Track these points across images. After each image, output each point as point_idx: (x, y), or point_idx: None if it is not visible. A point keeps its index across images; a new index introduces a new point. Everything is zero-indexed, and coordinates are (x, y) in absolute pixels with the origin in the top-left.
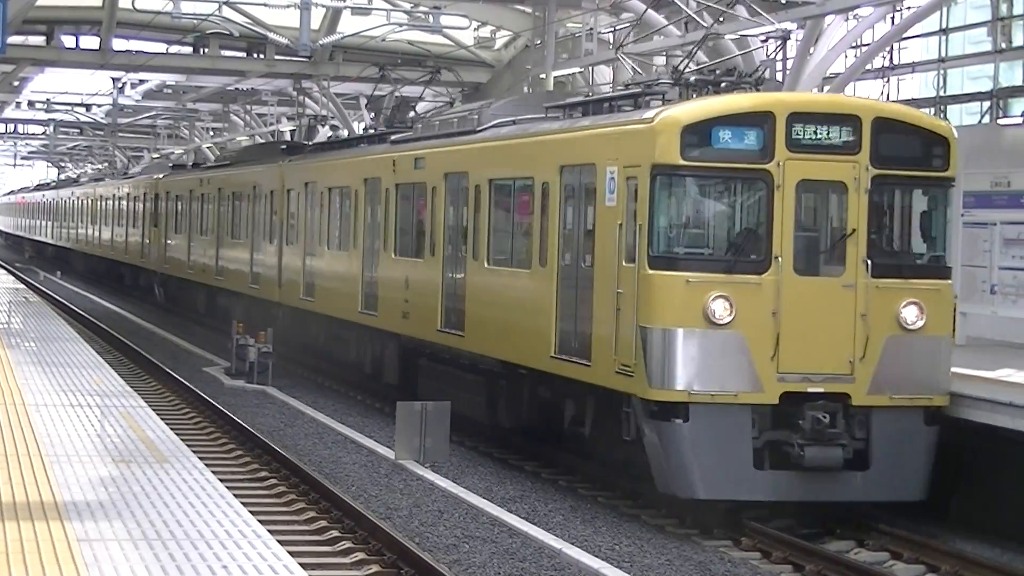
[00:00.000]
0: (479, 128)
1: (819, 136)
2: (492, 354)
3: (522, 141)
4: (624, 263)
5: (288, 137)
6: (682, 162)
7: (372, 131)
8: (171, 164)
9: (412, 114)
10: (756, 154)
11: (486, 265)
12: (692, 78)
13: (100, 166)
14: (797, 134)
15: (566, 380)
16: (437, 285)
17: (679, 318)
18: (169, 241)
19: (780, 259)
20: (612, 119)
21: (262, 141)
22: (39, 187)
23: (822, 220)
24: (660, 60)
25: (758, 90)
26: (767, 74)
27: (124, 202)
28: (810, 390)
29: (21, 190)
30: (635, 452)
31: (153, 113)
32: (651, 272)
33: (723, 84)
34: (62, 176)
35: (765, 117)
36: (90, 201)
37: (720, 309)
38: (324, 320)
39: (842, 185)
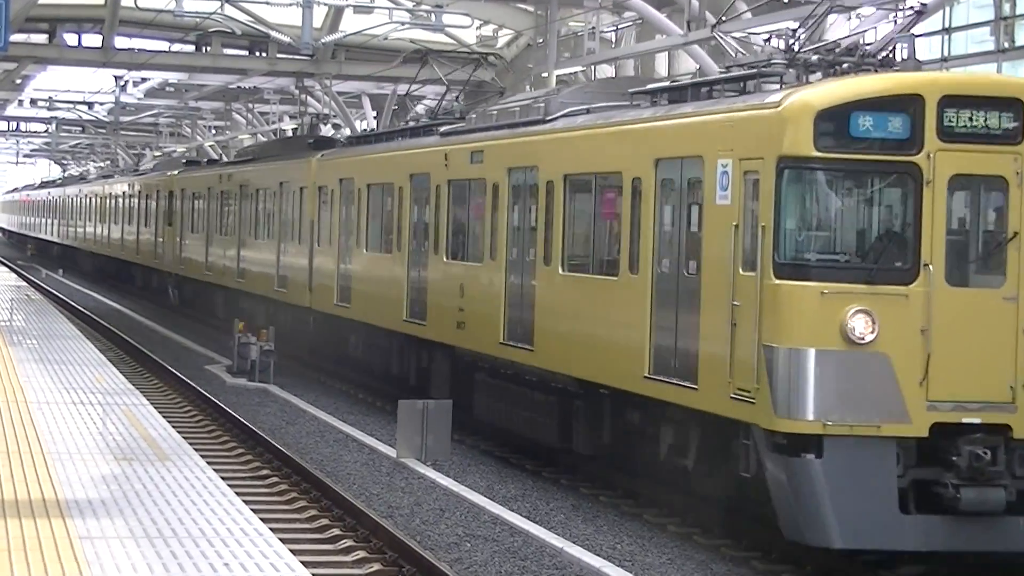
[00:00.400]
0: (548, 117)
1: (975, 123)
2: (567, 372)
3: (607, 131)
4: (742, 271)
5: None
6: (815, 153)
7: (415, 123)
8: (185, 160)
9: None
10: (902, 144)
11: (560, 272)
12: (813, 57)
13: (106, 163)
14: (950, 121)
15: (663, 404)
16: (499, 293)
17: (811, 336)
18: (185, 241)
19: (931, 267)
20: (724, 104)
21: (288, 135)
22: (44, 184)
23: (978, 221)
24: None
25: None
26: (899, 53)
27: (135, 200)
28: (965, 421)
29: (25, 187)
30: (754, 491)
31: (155, 111)
32: (777, 282)
33: (844, 65)
34: (68, 173)
35: (913, 101)
36: (99, 199)
37: (861, 326)
38: (361, 328)
39: (1002, 180)
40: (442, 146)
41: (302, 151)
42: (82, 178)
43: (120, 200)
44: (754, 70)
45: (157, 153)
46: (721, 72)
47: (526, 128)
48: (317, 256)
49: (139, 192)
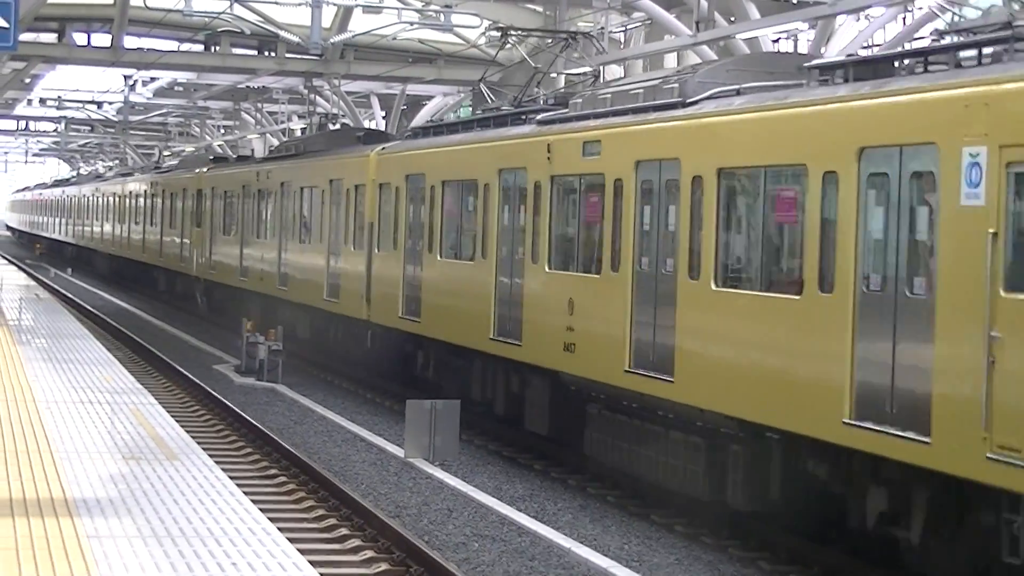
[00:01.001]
0: (689, 100)
1: None
2: (723, 410)
3: (783, 114)
4: (1004, 292)
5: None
6: None
7: (497, 110)
8: (212, 157)
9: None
10: None
11: (713, 287)
12: None
13: (115, 162)
14: None
15: (871, 459)
16: (623, 311)
17: None
18: (215, 244)
19: None
20: (967, 77)
21: (335, 127)
22: (59, 183)
23: None
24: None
25: None
26: None
27: (158, 199)
28: None
29: (38, 186)
30: None
31: (164, 111)
32: None
33: None
34: (84, 171)
35: None
36: (118, 198)
37: None
38: (434, 346)
39: None
40: (541, 136)
41: (353, 145)
42: (99, 176)
43: (141, 199)
44: (1001, 32)
45: (179, 149)
46: (934, 39)
47: (660, 114)
48: (377, 262)
49: (162, 191)
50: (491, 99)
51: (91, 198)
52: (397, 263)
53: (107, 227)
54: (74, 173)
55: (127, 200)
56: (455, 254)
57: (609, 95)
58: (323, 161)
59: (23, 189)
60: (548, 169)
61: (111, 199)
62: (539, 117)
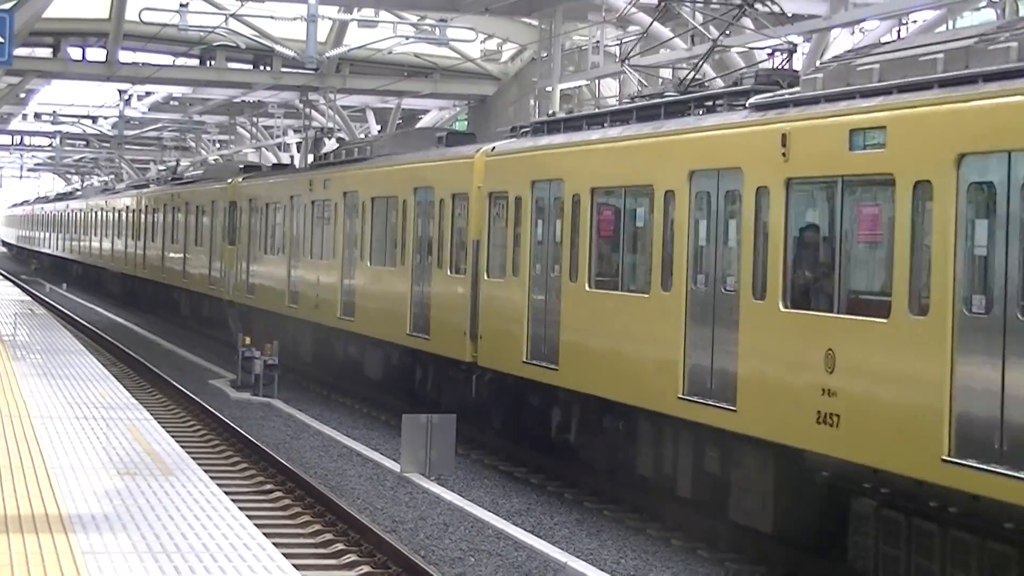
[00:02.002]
0: None
1: None
2: None
3: None
4: None
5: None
6: None
7: (666, 94)
8: (242, 166)
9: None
10: None
11: None
12: None
13: (114, 174)
14: None
15: None
16: (942, 373)
17: None
18: (254, 264)
19: None
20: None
21: (415, 129)
22: (61, 196)
23: None
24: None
25: None
26: None
27: (180, 213)
28: None
29: (37, 200)
30: None
31: (159, 125)
32: None
33: None
34: (89, 183)
35: None
36: (131, 213)
37: None
38: (580, 402)
39: None
40: (768, 124)
41: (436, 147)
42: (107, 189)
43: (159, 213)
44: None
45: (198, 159)
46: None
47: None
48: (487, 291)
49: (185, 204)
50: (640, 83)
51: (100, 213)
52: (518, 293)
53: (119, 244)
54: (78, 185)
55: (142, 215)
56: (615, 284)
57: (875, 67)
58: (404, 167)
59: (22, 203)
60: (784, 170)
61: (123, 214)
62: (752, 101)
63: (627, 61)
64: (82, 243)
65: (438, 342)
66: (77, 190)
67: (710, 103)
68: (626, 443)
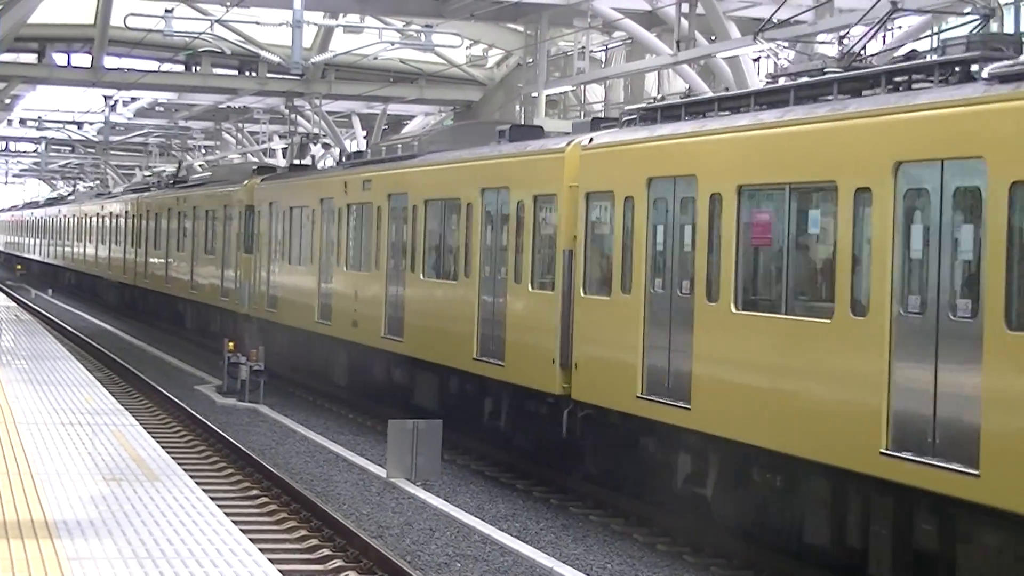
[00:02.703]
0: None
1: None
2: None
3: None
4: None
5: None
6: None
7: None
8: (256, 167)
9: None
10: None
11: None
12: None
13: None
14: None
15: None
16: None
17: None
18: (277, 275)
19: None
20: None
21: (462, 123)
22: (51, 202)
23: None
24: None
25: None
26: None
27: (187, 219)
28: None
29: (27, 205)
30: None
31: (145, 131)
32: None
33: None
34: (84, 186)
35: None
36: (131, 218)
37: None
38: (717, 448)
39: None
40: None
41: (499, 142)
42: (103, 193)
43: (162, 219)
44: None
45: (201, 161)
46: None
47: None
48: (584, 310)
49: (192, 209)
50: (774, 58)
51: (95, 218)
52: (629, 314)
53: (116, 252)
54: (71, 190)
55: (142, 220)
56: (775, 305)
57: None
58: (468, 165)
59: (9, 208)
60: None
61: (121, 219)
62: (991, 69)
63: (761, 34)
64: (75, 250)
65: (516, 370)
66: (69, 194)
67: (904, 77)
68: (791, 501)
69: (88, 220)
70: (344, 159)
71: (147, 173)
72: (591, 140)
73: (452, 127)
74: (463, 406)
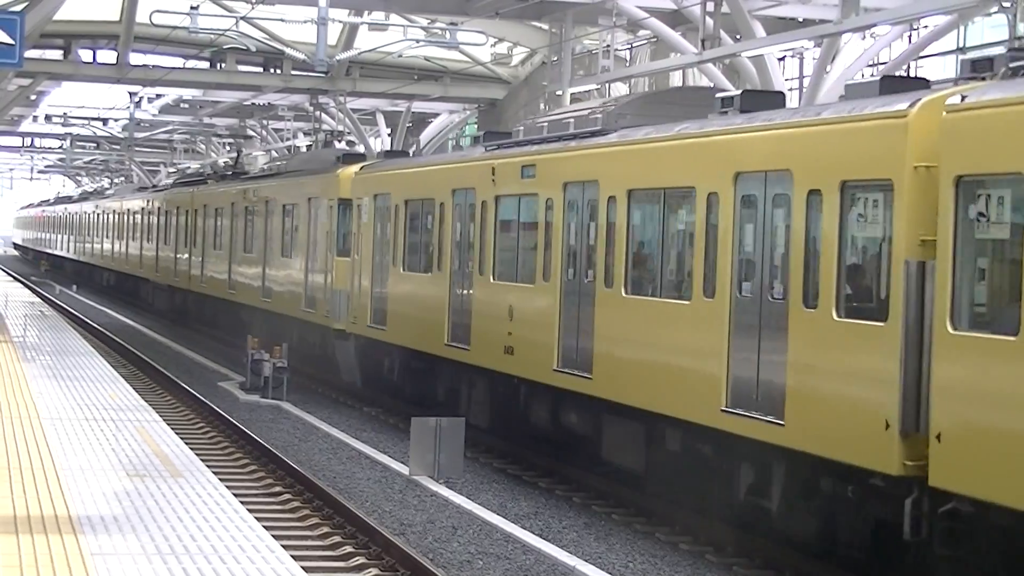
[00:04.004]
0: None
1: None
2: None
3: None
4: None
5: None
6: None
7: None
8: (340, 154)
9: None
10: None
11: None
12: None
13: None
14: None
15: None
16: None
17: None
18: (389, 285)
19: None
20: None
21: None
22: (87, 196)
23: None
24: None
25: None
26: None
27: (254, 216)
28: None
29: (59, 200)
30: None
31: (169, 128)
32: None
33: None
34: (125, 179)
35: None
36: (185, 215)
37: None
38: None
39: None
40: None
41: (715, 113)
42: (146, 186)
43: (222, 216)
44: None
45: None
46: None
47: None
48: (953, 356)
49: (264, 203)
50: None
51: (139, 215)
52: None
53: (166, 251)
54: (107, 183)
55: (197, 216)
56: None
57: None
58: (708, 141)
59: (40, 203)
60: None
61: (172, 216)
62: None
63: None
64: (116, 248)
65: (807, 432)
66: (107, 187)
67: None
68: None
69: (131, 216)
70: (478, 142)
71: (198, 165)
72: (963, 99)
73: (645, 96)
74: (695, 474)
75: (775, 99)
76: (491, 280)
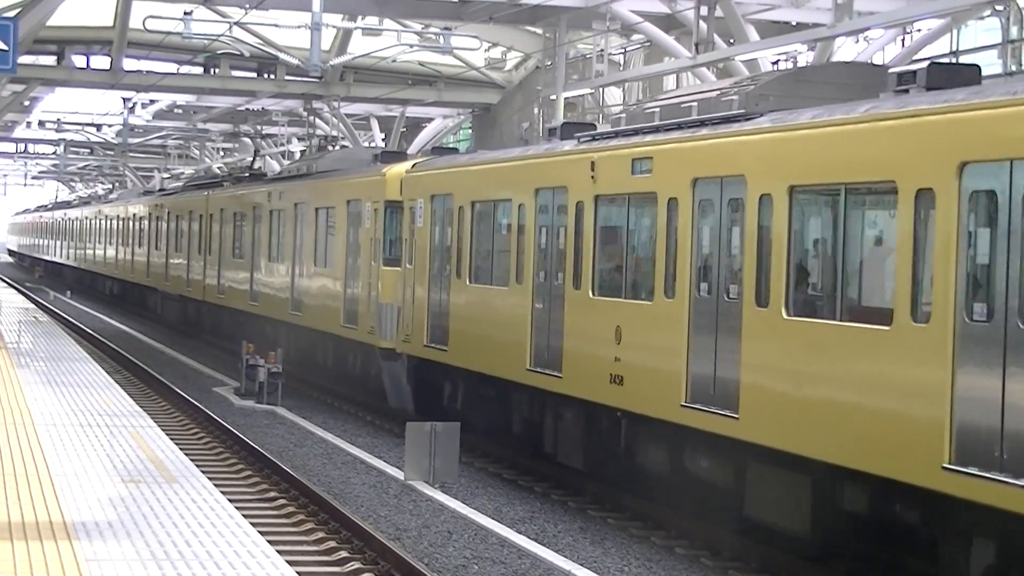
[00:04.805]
0: None
1: None
2: None
3: None
4: None
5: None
6: None
7: None
8: (379, 152)
9: None
10: None
11: None
12: None
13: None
14: None
15: None
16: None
17: None
18: (453, 299)
19: None
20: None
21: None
22: (88, 201)
23: None
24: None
25: None
26: None
27: (284, 222)
28: None
29: (59, 205)
30: None
31: (163, 133)
32: None
33: None
34: (131, 184)
35: None
36: (198, 220)
37: None
38: None
39: None
40: None
41: (885, 89)
42: (152, 190)
43: (244, 221)
44: None
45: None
46: None
47: None
48: None
49: (292, 207)
50: None
51: (146, 220)
52: None
53: (177, 259)
54: (110, 187)
55: (212, 221)
56: None
57: None
58: (954, 117)
59: (37, 208)
60: None
61: (184, 221)
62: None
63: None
64: (119, 256)
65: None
66: (109, 192)
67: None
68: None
69: (137, 222)
70: (553, 134)
71: (218, 166)
72: None
73: (790, 73)
74: (905, 543)
75: (969, 73)
76: (590, 295)
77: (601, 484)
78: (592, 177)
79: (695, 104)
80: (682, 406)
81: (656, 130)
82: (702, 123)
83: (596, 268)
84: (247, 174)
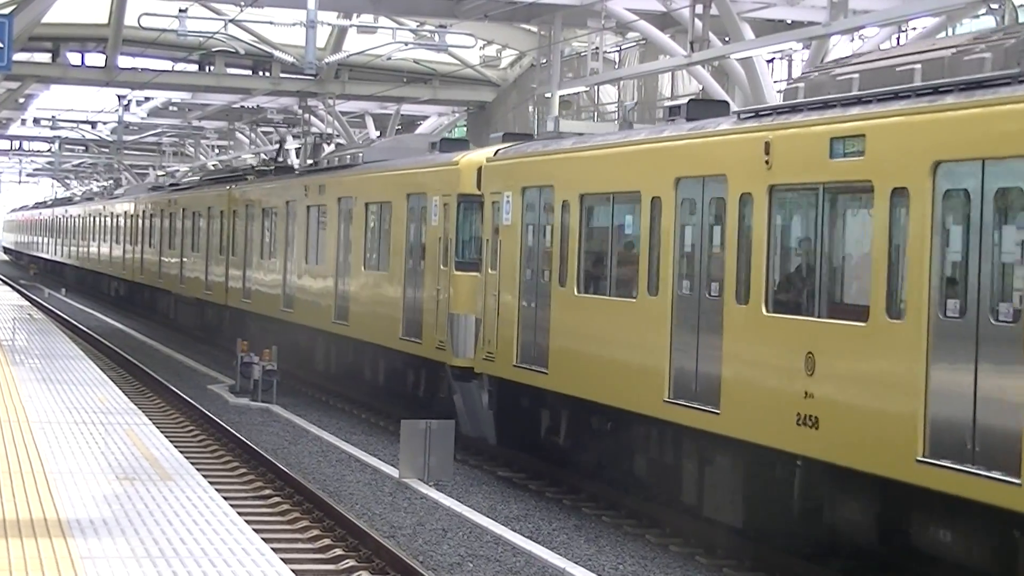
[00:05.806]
0: None
1: None
2: None
3: None
4: None
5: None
6: None
7: None
8: (436, 140)
9: None
10: None
11: None
12: None
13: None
14: None
15: None
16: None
17: None
18: (554, 313)
19: None
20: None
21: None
22: (90, 197)
23: None
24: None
25: None
26: None
27: (328, 218)
28: None
29: (58, 201)
30: None
31: (158, 130)
32: None
33: None
34: (145, 177)
35: None
36: (219, 218)
37: None
38: None
39: None
40: None
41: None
42: (163, 185)
43: (275, 218)
44: None
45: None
46: None
47: None
48: None
49: (336, 203)
50: None
51: (157, 218)
52: None
53: (194, 260)
54: (113, 183)
55: (235, 218)
56: None
57: None
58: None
59: (35, 205)
60: None
61: (201, 219)
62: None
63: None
64: (126, 256)
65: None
66: (117, 186)
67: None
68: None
69: (148, 219)
70: (675, 113)
71: (238, 156)
72: None
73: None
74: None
75: None
76: (763, 312)
77: (601, 484)
78: (767, 163)
79: (917, 67)
80: (917, 462)
81: (855, 102)
82: (933, 91)
83: (771, 277)
84: (271, 168)
